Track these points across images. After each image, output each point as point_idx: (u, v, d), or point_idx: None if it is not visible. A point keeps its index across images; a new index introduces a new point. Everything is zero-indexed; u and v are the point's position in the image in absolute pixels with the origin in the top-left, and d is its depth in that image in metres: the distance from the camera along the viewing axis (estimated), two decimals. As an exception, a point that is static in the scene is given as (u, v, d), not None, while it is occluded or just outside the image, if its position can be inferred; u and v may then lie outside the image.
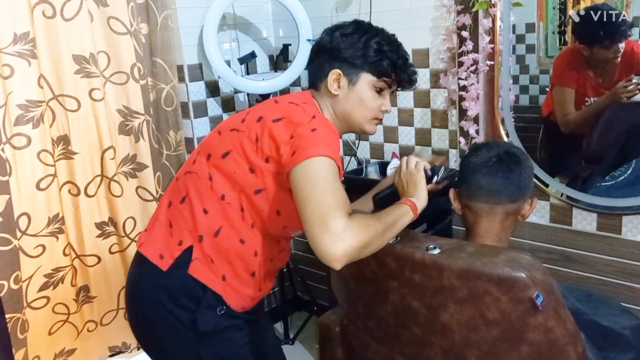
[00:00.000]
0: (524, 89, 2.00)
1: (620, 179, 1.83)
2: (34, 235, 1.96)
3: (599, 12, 1.72)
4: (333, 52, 1.25)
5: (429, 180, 1.24)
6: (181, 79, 2.30)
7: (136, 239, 2.21)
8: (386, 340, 1.26)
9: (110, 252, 2.20)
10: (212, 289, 1.21)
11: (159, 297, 1.22)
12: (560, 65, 1.92)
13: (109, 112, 2.07)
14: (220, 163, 1.21)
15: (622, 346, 1.24)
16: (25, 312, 1.98)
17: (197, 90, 2.34)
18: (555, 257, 1.92)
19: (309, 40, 2.24)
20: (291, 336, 2.57)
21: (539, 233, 1.94)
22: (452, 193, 1.30)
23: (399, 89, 1.31)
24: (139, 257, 1.29)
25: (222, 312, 1.23)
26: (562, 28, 2.10)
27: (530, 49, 2.09)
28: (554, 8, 2.09)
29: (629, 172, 1.82)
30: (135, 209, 2.20)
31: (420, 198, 1.19)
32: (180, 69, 2.28)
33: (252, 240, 1.23)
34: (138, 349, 2.38)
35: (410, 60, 1.29)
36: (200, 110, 2.37)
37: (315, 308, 2.60)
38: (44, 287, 2.03)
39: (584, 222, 1.84)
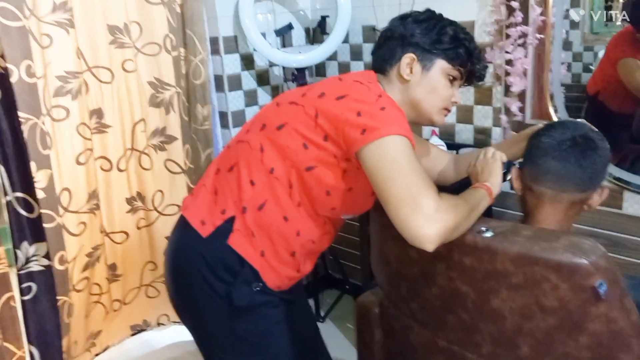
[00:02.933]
0: (567, 67, 1.90)
1: (677, 159, 1.74)
2: (76, 212, 1.95)
3: None
4: (407, 38, 1.21)
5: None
6: (216, 52, 2.25)
7: (164, 212, 2.22)
8: (430, 324, 1.21)
9: (137, 228, 2.20)
10: (249, 263, 1.19)
11: (196, 263, 1.20)
12: (624, 39, 1.81)
13: (141, 84, 2.05)
14: (274, 135, 1.17)
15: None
16: (70, 295, 1.96)
17: (232, 63, 2.29)
18: (602, 242, 1.83)
19: (375, 29, 2.18)
20: (322, 314, 2.56)
21: (585, 216, 1.85)
22: (514, 171, 1.22)
23: (466, 83, 1.27)
24: (181, 220, 1.27)
25: (258, 288, 1.21)
26: (609, 3, 1.98)
27: (574, 25, 1.98)
28: (601, -18, 1.98)
29: (686, 153, 1.72)
30: (163, 183, 2.19)
31: (495, 185, 1.17)
32: (215, 40, 2.24)
33: (297, 219, 1.19)
34: (158, 325, 2.39)
35: (483, 54, 1.27)
36: (235, 83, 2.33)
37: (347, 287, 2.57)
38: (85, 268, 2.02)
39: (636, 205, 1.74)
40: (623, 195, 1.76)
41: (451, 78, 1.23)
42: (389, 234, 1.19)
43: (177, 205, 2.23)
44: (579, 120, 1.19)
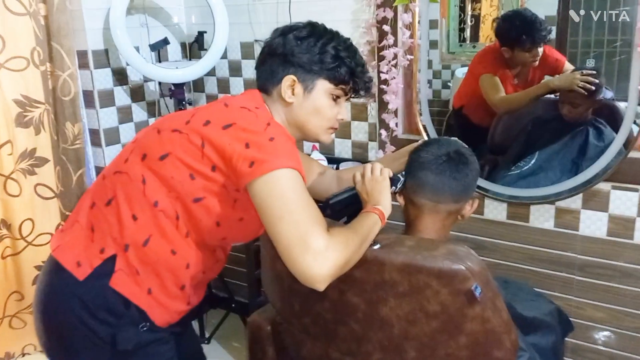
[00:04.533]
0: (428, 84, 2.07)
1: (525, 169, 1.95)
2: None
3: (522, 16, 1.83)
4: (287, 57, 1.17)
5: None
6: (85, 66, 2.12)
7: (34, 242, 2.04)
8: (323, 338, 1.24)
9: (2, 257, 2.01)
10: (135, 303, 1.11)
11: (74, 310, 1.09)
12: (486, 57, 2.00)
13: (5, 102, 1.87)
14: (157, 166, 1.10)
15: (544, 331, 1.33)
16: None
17: (102, 78, 2.17)
18: (468, 246, 2.00)
19: (257, 40, 2.16)
20: (207, 335, 2.49)
21: (454, 223, 2.02)
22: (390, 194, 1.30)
23: (354, 96, 1.25)
24: (52, 262, 1.15)
25: (145, 328, 1.13)
26: (462, 25, 2.20)
27: (434, 44, 2.16)
28: (455, 6, 2.18)
29: (532, 163, 1.94)
30: (34, 210, 2.01)
31: (387, 207, 1.17)
32: (83, 54, 2.11)
33: (185, 251, 1.13)
34: (23, 356, 2.20)
35: (366, 66, 1.24)
36: (107, 99, 2.20)
37: (233, 305, 2.53)
38: None
39: (495, 211, 1.94)
40: (484, 202, 1.95)
41: (334, 97, 1.20)
42: (280, 252, 1.20)
43: (50, 234, 2.06)
44: (452, 138, 1.30)
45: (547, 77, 1.88)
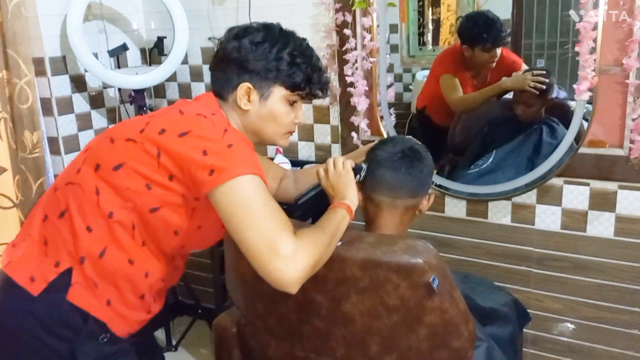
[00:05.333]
0: (389, 87, 2.11)
1: (484, 167, 2.01)
2: None
3: (484, 16, 1.90)
4: (242, 63, 1.15)
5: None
6: (42, 73, 2.08)
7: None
8: (287, 337, 1.26)
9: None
10: (94, 316, 1.09)
11: (28, 327, 1.07)
12: (447, 58, 2.06)
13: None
14: (111, 176, 1.08)
15: (502, 321, 1.37)
16: None
17: (60, 85, 2.14)
18: (430, 244, 2.04)
19: (210, 38, 2.14)
20: (174, 342, 2.47)
21: (415, 221, 2.02)
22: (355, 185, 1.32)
23: (311, 99, 1.25)
24: (3, 278, 1.11)
25: (105, 340, 1.12)
26: (421, 30, 2.25)
27: (394, 48, 2.21)
28: (414, 10, 2.24)
29: (490, 161, 2.00)
30: (-9, 220, 1.96)
31: (353, 199, 1.18)
32: (40, 61, 2.07)
33: (143, 260, 1.12)
34: None
35: (323, 68, 1.23)
36: (66, 106, 2.17)
37: (200, 311, 2.52)
38: None
39: (455, 208, 1.99)
40: (444, 200, 1.99)
41: (291, 102, 1.20)
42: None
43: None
44: (406, 136, 1.33)
45: (503, 78, 1.95)
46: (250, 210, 1.00)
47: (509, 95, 1.96)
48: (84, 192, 1.09)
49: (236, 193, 1.01)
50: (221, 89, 1.19)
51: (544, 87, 1.79)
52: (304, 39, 1.22)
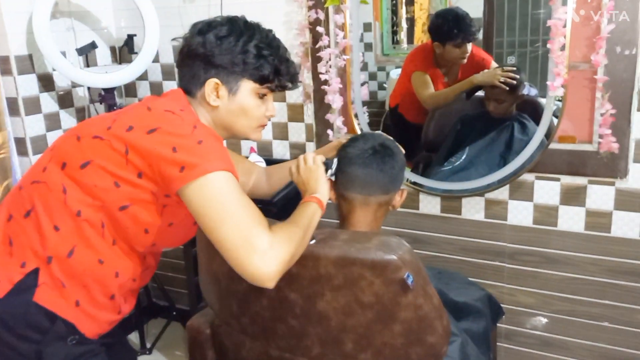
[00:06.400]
0: (362, 85, 2.11)
1: (457, 164, 2.02)
2: None
3: (454, 12, 1.92)
4: (208, 58, 1.13)
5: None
6: (7, 72, 2.03)
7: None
8: (262, 336, 1.24)
9: None
10: (62, 317, 1.07)
11: None
12: (418, 55, 2.07)
13: None
14: (79, 174, 1.06)
15: (475, 316, 1.38)
16: None
17: (27, 84, 2.08)
18: (405, 240, 2.05)
19: (174, 39, 2.10)
20: (148, 346, 2.43)
21: (390, 218, 2.05)
22: (328, 183, 1.32)
23: (281, 90, 1.23)
24: None
25: (74, 342, 1.09)
26: (395, 28, 2.26)
27: (368, 47, 2.22)
28: (387, 9, 2.25)
29: (463, 158, 2.02)
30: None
31: (324, 193, 1.19)
32: (5, 60, 2.01)
33: (113, 259, 1.10)
34: None
35: (291, 59, 1.22)
36: (33, 106, 2.11)
37: (174, 313, 2.49)
38: None
39: (429, 205, 2.00)
40: (419, 197, 2.00)
41: (261, 95, 1.19)
42: (216, 252, 1.19)
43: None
44: (376, 132, 1.33)
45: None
46: (223, 206, 0.99)
47: (481, 93, 1.98)
48: (50, 191, 1.07)
49: (208, 190, 1.00)
50: (189, 86, 1.18)
51: (514, 82, 1.81)
52: (270, 30, 1.21)
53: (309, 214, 1.12)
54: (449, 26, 1.93)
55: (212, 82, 1.14)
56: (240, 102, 1.17)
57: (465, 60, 1.95)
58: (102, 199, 1.05)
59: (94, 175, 1.05)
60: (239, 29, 1.15)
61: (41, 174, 1.10)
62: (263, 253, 0.97)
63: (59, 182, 1.07)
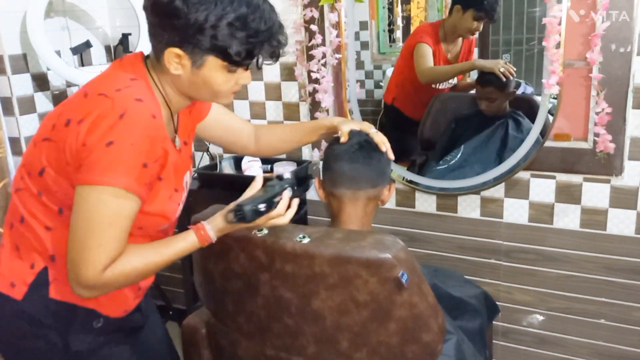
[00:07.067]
0: (360, 84, 2.11)
1: (452, 162, 2.03)
2: None
3: None
4: (172, 22, 0.97)
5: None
6: (1, 71, 2.02)
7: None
8: (257, 335, 1.24)
9: None
10: (81, 306, 1.09)
11: (18, 328, 1.09)
12: (426, 29, 2.05)
13: None
14: (42, 181, 1.04)
15: (471, 314, 1.38)
16: None
17: (21, 84, 2.07)
18: (402, 239, 2.05)
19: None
20: (145, 345, 2.42)
21: (387, 217, 2.07)
22: (316, 182, 1.32)
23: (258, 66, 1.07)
24: None
25: (100, 325, 1.12)
26: (391, 27, 2.26)
27: (365, 45, 2.21)
28: (384, 7, 2.24)
29: (458, 156, 2.02)
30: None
31: (219, 224, 1.08)
32: (-1, 59, 2.01)
33: None
34: None
35: (278, 36, 1.04)
36: (27, 106, 2.10)
37: (170, 312, 2.48)
38: None
39: (425, 203, 2.00)
40: (415, 195, 2.00)
41: (232, 70, 1.04)
42: (210, 251, 1.19)
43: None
44: (359, 129, 1.32)
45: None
46: (87, 223, 0.96)
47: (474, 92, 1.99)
48: (31, 196, 1.07)
49: (85, 201, 0.96)
50: (152, 45, 1.05)
51: (512, 77, 1.82)
52: (264, 2, 1.03)
53: (181, 248, 1.07)
54: None
55: (172, 52, 1.00)
56: (204, 76, 1.03)
57: (472, 37, 1.95)
58: (70, 197, 1.02)
59: (50, 181, 1.03)
60: None
61: (20, 182, 1.10)
62: (80, 286, 0.98)
63: (33, 187, 1.06)
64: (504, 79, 1.84)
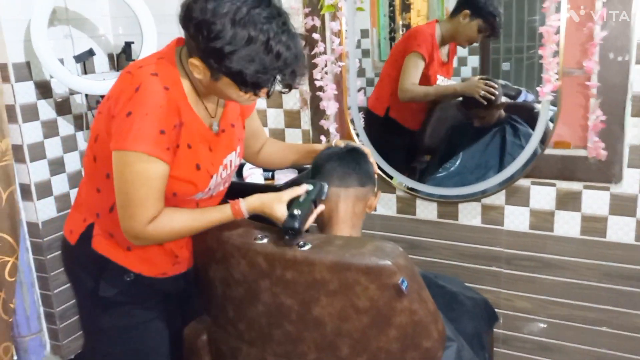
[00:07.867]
0: (361, 91, 2.11)
1: (452, 169, 2.03)
2: None
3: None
4: (195, 40, 1.06)
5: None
6: (5, 79, 2.03)
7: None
8: (258, 342, 1.25)
9: None
10: (114, 261, 1.27)
11: (72, 265, 1.37)
12: (421, 36, 1.99)
13: None
14: (96, 146, 1.22)
15: (466, 316, 1.39)
16: None
17: (25, 92, 2.09)
18: (403, 246, 2.06)
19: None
20: (146, 352, 2.43)
21: (388, 224, 2.07)
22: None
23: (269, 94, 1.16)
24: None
25: (129, 279, 1.28)
26: (392, 35, 2.27)
27: (366, 53, 2.23)
28: (385, 15, 2.25)
29: (457, 163, 2.02)
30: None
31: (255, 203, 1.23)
32: (3, 67, 2.02)
33: None
34: None
35: (290, 61, 1.08)
36: (30, 113, 2.12)
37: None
38: None
39: (426, 211, 2.00)
40: (415, 202, 2.01)
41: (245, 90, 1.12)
42: (212, 258, 1.20)
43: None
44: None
45: (453, 81, 1.99)
46: (125, 183, 1.12)
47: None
48: (89, 160, 1.27)
49: (118, 164, 1.12)
50: (185, 42, 1.14)
51: (492, 98, 1.82)
52: (284, 31, 1.07)
53: (216, 217, 1.21)
54: (494, 9, 1.83)
55: (195, 62, 1.09)
56: (221, 87, 1.13)
57: (466, 45, 1.95)
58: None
59: (104, 146, 1.17)
60: (250, 19, 1.04)
61: (87, 148, 1.29)
62: (134, 234, 1.15)
63: (92, 153, 1.26)
64: (485, 102, 1.83)
